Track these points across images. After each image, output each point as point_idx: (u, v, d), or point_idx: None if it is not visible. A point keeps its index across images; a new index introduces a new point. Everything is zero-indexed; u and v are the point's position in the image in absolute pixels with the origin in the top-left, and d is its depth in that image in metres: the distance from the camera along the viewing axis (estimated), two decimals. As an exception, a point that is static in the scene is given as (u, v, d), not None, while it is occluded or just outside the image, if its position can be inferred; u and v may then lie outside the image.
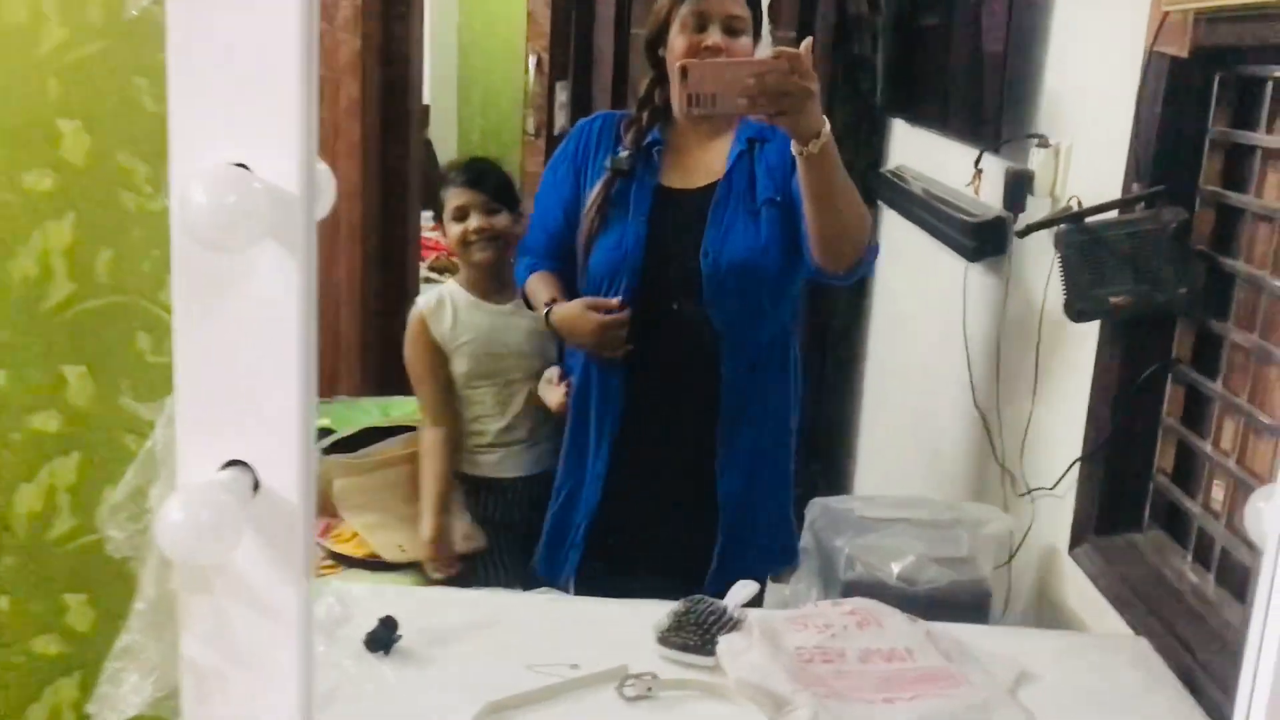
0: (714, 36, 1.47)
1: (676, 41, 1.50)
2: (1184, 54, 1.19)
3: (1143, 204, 1.24)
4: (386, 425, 2.02)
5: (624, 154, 1.56)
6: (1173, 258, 1.20)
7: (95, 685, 0.75)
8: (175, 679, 0.75)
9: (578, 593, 1.50)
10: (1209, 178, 1.24)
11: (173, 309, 0.70)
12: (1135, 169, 1.26)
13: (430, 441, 1.74)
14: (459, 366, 1.74)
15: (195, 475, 0.72)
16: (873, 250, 1.45)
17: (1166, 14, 1.19)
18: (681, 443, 1.55)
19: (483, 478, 1.75)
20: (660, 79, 1.56)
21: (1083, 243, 1.26)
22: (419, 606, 1.11)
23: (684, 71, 1.35)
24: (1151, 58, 1.23)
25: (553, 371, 1.69)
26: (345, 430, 2.10)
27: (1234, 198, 1.20)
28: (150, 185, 0.96)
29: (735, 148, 1.54)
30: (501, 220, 1.73)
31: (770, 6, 2.88)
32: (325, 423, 2.40)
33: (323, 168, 0.77)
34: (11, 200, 0.92)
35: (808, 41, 1.33)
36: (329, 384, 2.82)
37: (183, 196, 0.66)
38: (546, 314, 1.57)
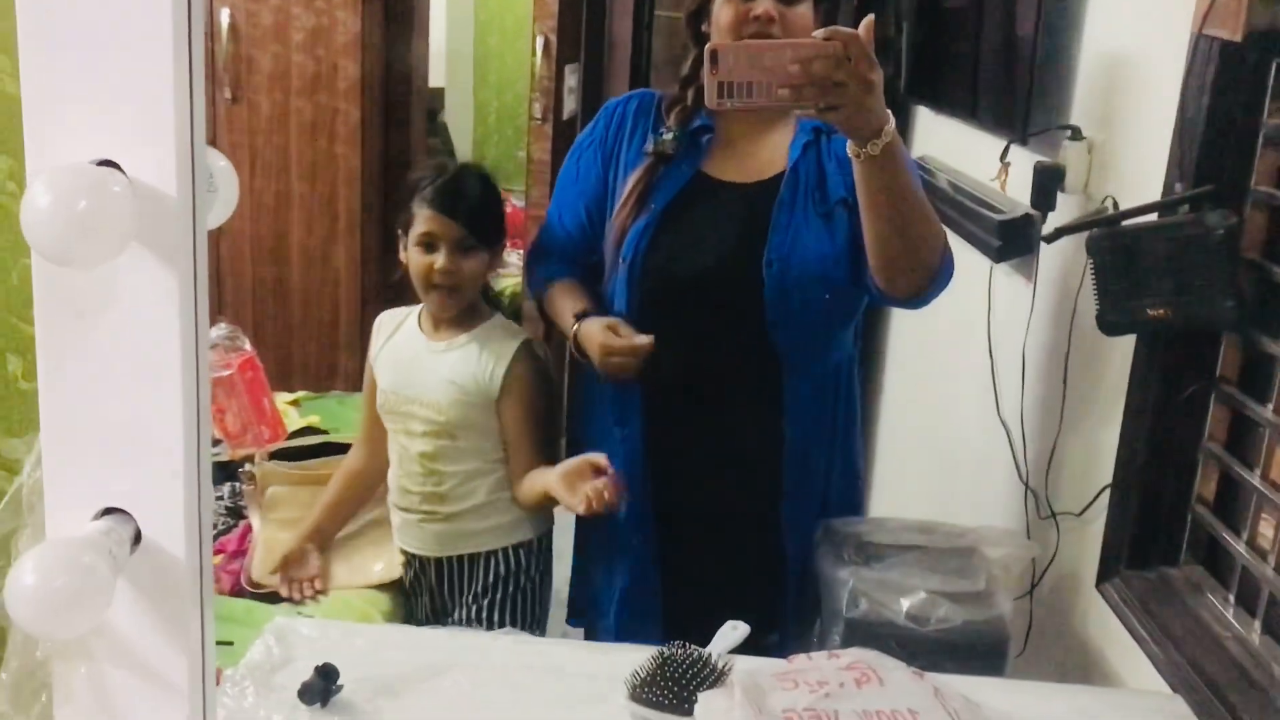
0: (765, 4, 1.27)
1: (722, 12, 1.29)
2: (1236, 37, 1.05)
3: (1186, 206, 1.11)
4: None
5: (667, 136, 1.35)
6: (1219, 267, 1.07)
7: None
8: (47, 763, 0.64)
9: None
10: (1262, 177, 1.10)
11: (36, 333, 0.59)
12: (1179, 167, 1.13)
13: (341, 467, 1.62)
14: (377, 396, 1.51)
15: (65, 526, 0.62)
16: (946, 272, 1.26)
17: (1218, -8, 1.06)
18: (739, 491, 1.39)
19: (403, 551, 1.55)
20: (701, 54, 1.24)
21: (1118, 248, 1.14)
22: (369, 647, 1.00)
23: (714, 56, 1.12)
24: (1199, 41, 1.09)
25: (596, 457, 1.32)
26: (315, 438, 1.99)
27: (1289, 199, 1.07)
28: (14, 182, 0.85)
29: (800, 137, 1.35)
30: (473, 265, 1.42)
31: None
32: (314, 420, 2.31)
33: (223, 164, 0.66)
34: None
35: (869, 19, 1.10)
36: (324, 379, 2.73)
37: (28, 201, 0.55)
38: (575, 332, 1.35)
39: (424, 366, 1.46)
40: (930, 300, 1.28)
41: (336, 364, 2.80)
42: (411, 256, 1.44)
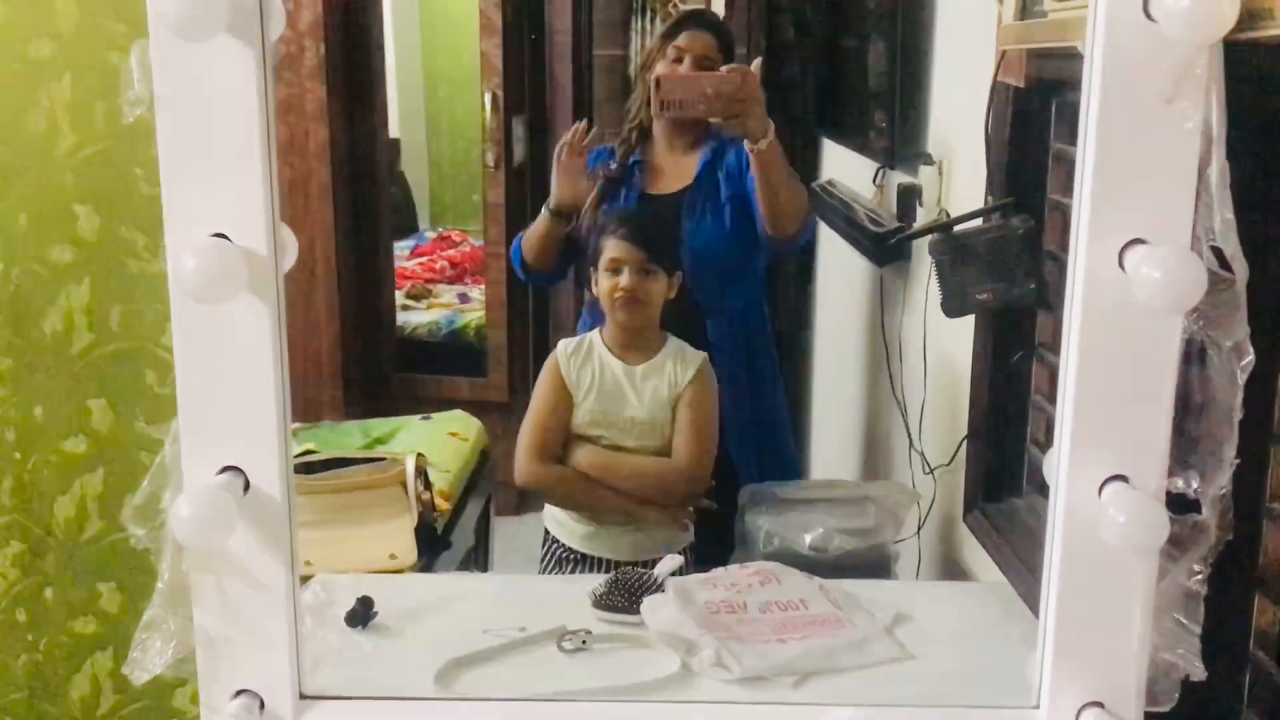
0: (686, 68, 1.89)
1: (658, 69, 1.91)
2: (1021, 84, 1.39)
3: (998, 213, 1.44)
4: (357, 456, 2.14)
5: (613, 165, 1.97)
6: (1024, 259, 1.40)
7: (126, 656, 0.94)
8: (191, 644, 0.94)
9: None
10: (1054, 188, 1.44)
11: (174, 350, 0.90)
12: (991, 183, 1.46)
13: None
14: (579, 416, 1.74)
15: (198, 480, 0.92)
16: (811, 224, 1.93)
17: (1004, 52, 1.40)
18: None
19: (572, 550, 1.74)
20: (647, 99, 1.93)
21: (951, 249, 1.46)
22: (394, 590, 1.30)
23: (658, 83, 1.79)
24: (996, 87, 1.43)
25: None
26: (322, 454, 2.27)
27: (1071, 205, 1.40)
28: (148, 252, 1.19)
29: (703, 159, 1.94)
30: (655, 285, 1.71)
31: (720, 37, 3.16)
32: (310, 445, 2.60)
33: (285, 230, 0.97)
34: (40, 270, 1.18)
35: (757, 61, 1.84)
36: (313, 411, 3.02)
37: (177, 263, 0.86)
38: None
39: (633, 389, 1.73)
40: (801, 243, 1.96)
41: (322, 397, 3.09)
42: (601, 280, 1.73)
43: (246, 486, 0.93)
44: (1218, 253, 0.84)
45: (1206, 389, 0.86)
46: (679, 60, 1.89)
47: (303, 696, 0.98)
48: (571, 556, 1.76)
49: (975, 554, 1.54)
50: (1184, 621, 0.87)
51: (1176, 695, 0.89)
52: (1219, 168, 0.81)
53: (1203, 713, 0.95)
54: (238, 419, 0.92)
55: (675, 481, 1.69)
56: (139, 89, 0.86)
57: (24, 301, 1.28)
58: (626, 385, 1.72)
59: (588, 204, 1.94)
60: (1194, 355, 0.87)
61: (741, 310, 1.94)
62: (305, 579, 1.89)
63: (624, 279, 1.70)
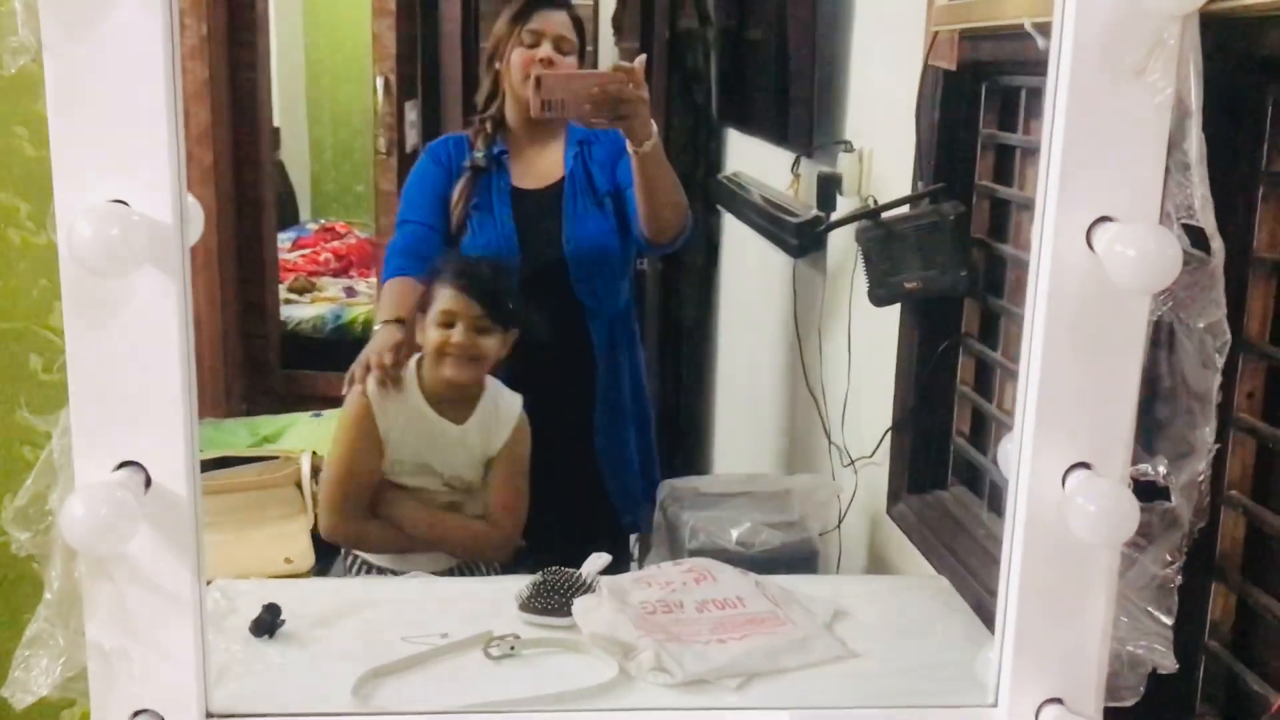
0: (545, 51, 1.74)
1: (513, 55, 1.76)
2: (953, 67, 1.36)
3: (927, 200, 1.42)
4: (247, 455, 2.05)
5: (479, 154, 1.80)
6: (953, 245, 1.37)
7: (6, 676, 0.83)
8: (82, 661, 0.84)
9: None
10: (983, 174, 1.42)
11: (65, 330, 0.80)
12: (919, 169, 1.43)
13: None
14: (389, 465, 1.62)
15: (92, 476, 0.82)
16: (688, 228, 1.77)
17: (936, 33, 1.37)
18: (564, 410, 1.79)
19: (377, 566, 1.63)
20: (496, 90, 1.82)
21: (878, 236, 1.43)
22: (300, 595, 1.21)
23: (538, 82, 1.62)
24: (926, 71, 1.40)
25: None
26: (208, 453, 2.15)
27: (1003, 191, 1.39)
28: (32, 222, 1.05)
29: (569, 150, 1.81)
30: (489, 342, 1.60)
31: (614, 18, 3.08)
32: (193, 443, 2.45)
33: (191, 200, 0.88)
34: None
35: (641, 58, 1.65)
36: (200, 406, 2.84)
37: (70, 231, 0.76)
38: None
39: (445, 445, 1.62)
40: (677, 247, 1.80)
41: (204, 394, 2.93)
42: (429, 331, 1.59)
43: (148, 483, 0.83)
44: (1189, 230, 0.81)
45: (1175, 372, 0.84)
46: (535, 44, 1.75)
47: (209, 715, 0.89)
48: (377, 569, 1.65)
49: (901, 547, 1.52)
50: (1154, 613, 0.84)
51: (1141, 690, 0.86)
52: (1196, 143, 0.79)
53: (1157, 707, 0.92)
54: (138, 408, 0.83)
55: (486, 547, 1.60)
56: (23, 35, 0.76)
57: (-112, 278, 1.09)
58: (441, 442, 1.61)
59: (456, 197, 1.79)
60: (1162, 338, 0.84)
61: (620, 310, 1.86)
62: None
63: (456, 334, 1.57)
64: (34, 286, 1.07)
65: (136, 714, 0.86)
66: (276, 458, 2.00)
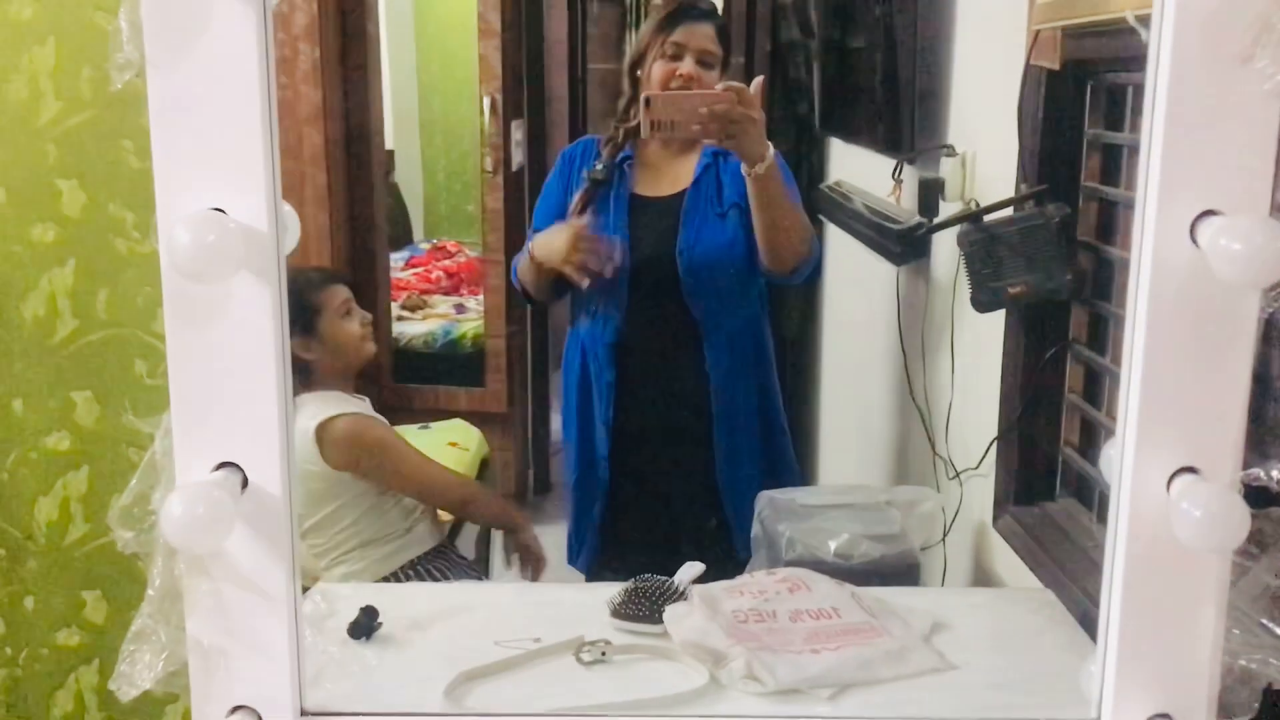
0: (687, 66, 1.72)
1: (654, 67, 1.75)
2: (1056, 66, 1.33)
3: (1031, 202, 1.38)
4: None
5: (599, 166, 1.79)
6: (1058, 249, 1.33)
7: (113, 669, 0.86)
8: (183, 656, 0.87)
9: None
10: (1089, 175, 1.37)
11: (165, 336, 0.82)
12: (1023, 171, 1.40)
13: None
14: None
15: (191, 476, 0.84)
16: (813, 258, 1.72)
17: (1038, 32, 1.34)
18: (677, 430, 1.79)
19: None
20: (636, 98, 1.78)
21: (981, 240, 1.40)
22: (397, 599, 1.23)
23: (648, 102, 1.62)
24: (1029, 71, 1.37)
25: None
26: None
27: (1109, 191, 1.34)
28: (138, 231, 1.10)
29: (702, 161, 1.78)
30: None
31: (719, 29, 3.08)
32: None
33: (287, 209, 0.90)
34: (20, 251, 1.08)
35: (759, 79, 1.62)
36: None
37: (170, 239, 0.78)
38: (530, 251, 1.77)
39: None
40: (802, 278, 1.74)
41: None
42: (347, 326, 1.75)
43: (244, 484, 0.85)
44: (1301, 223, 0.77)
45: (1288, 372, 0.80)
46: (678, 57, 1.73)
47: (304, 713, 0.90)
48: None
49: (1007, 560, 1.47)
50: (1269, 625, 0.80)
51: (1255, 705, 0.82)
52: (1305, 129, 0.75)
53: (1277, 724, 0.88)
54: (235, 411, 0.85)
55: None
56: (128, 51, 0.79)
57: (3, 284, 1.16)
58: None
59: (573, 207, 1.80)
60: (1273, 336, 0.80)
61: (742, 327, 1.81)
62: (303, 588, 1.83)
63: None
64: (139, 294, 1.12)
65: (235, 709, 0.88)
66: None
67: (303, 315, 1.71)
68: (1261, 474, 0.81)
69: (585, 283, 1.73)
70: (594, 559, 1.83)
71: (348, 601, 1.19)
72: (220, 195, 0.82)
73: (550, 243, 1.76)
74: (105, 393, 1.14)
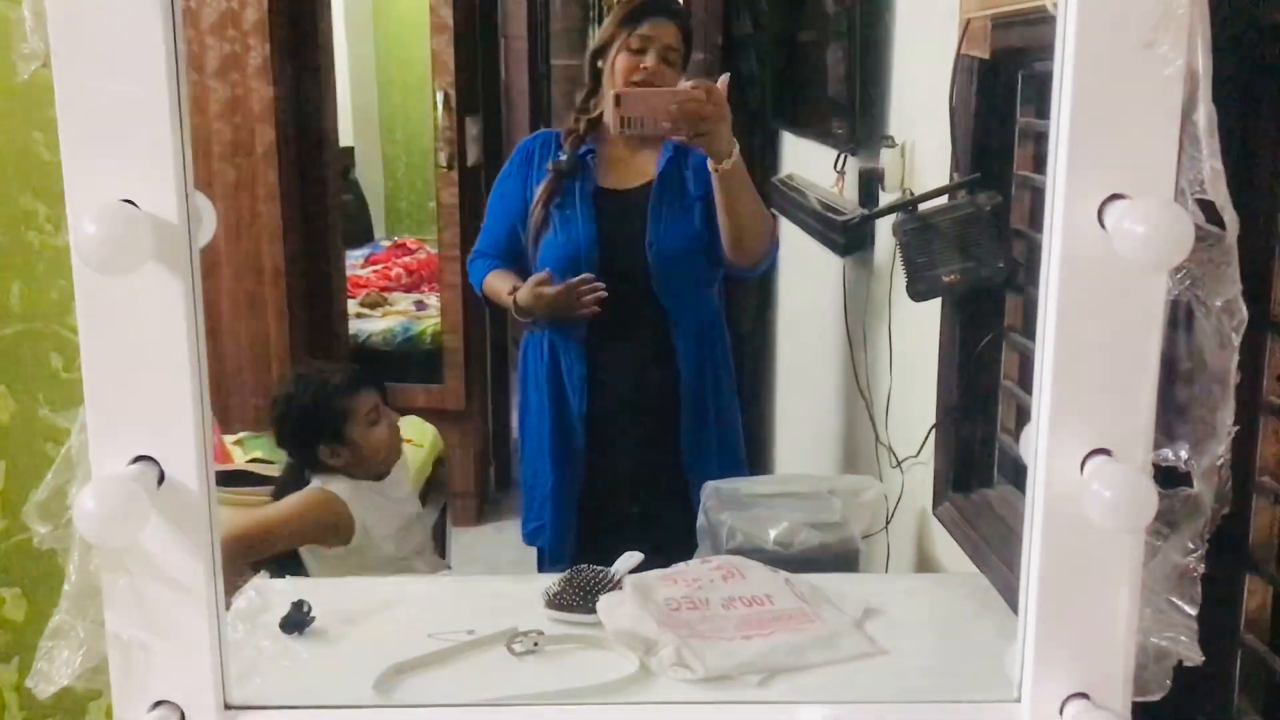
0: (650, 61, 1.74)
1: (618, 60, 1.76)
2: (986, 55, 1.34)
3: (965, 191, 1.39)
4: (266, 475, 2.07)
5: (562, 157, 1.80)
6: (992, 237, 1.34)
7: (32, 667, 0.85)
8: (103, 652, 0.86)
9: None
10: (1021, 163, 1.38)
11: (79, 329, 0.82)
12: (956, 160, 1.41)
13: None
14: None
15: (106, 470, 0.84)
16: (773, 251, 1.79)
17: (969, 21, 1.35)
18: (647, 421, 1.82)
19: None
20: (596, 89, 1.81)
21: (916, 229, 1.41)
22: (331, 593, 1.22)
23: (617, 99, 1.65)
24: (960, 60, 1.38)
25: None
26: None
27: (1041, 180, 1.35)
28: (50, 224, 1.09)
29: (664, 154, 1.78)
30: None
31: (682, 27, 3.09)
32: (260, 454, 2.51)
33: (202, 199, 0.89)
34: None
35: (724, 77, 1.65)
36: (263, 419, 2.91)
37: (78, 230, 0.78)
38: (514, 299, 1.79)
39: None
40: (762, 270, 1.79)
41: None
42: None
43: (161, 478, 0.85)
44: (1205, 206, 0.78)
45: (1194, 353, 0.81)
46: (641, 50, 1.74)
47: (228, 707, 0.90)
48: None
49: (947, 546, 1.48)
50: (1178, 603, 0.81)
51: (1168, 683, 0.83)
52: (1206, 114, 0.76)
53: (1192, 702, 0.89)
54: (150, 404, 0.84)
55: None
56: (33, 41, 0.78)
57: (-87, 280, 1.13)
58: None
59: (536, 199, 1.80)
60: (1180, 318, 0.82)
61: (707, 319, 1.83)
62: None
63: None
64: (53, 287, 1.11)
65: (156, 704, 0.88)
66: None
67: (330, 423, 1.67)
68: (1170, 454, 0.82)
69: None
70: (571, 552, 1.84)
71: (282, 596, 1.18)
72: (130, 186, 0.81)
73: (543, 303, 1.76)
74: (20, 387, 1.13)
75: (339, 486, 1.65)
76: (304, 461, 1.66)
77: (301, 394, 1.74)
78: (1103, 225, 0.81)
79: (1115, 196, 0.81)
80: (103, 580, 0.85)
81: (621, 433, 1.84)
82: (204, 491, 0.86)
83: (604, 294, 1.75)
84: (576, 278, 1.75)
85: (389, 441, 1.72)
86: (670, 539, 1.66)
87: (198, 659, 0.88)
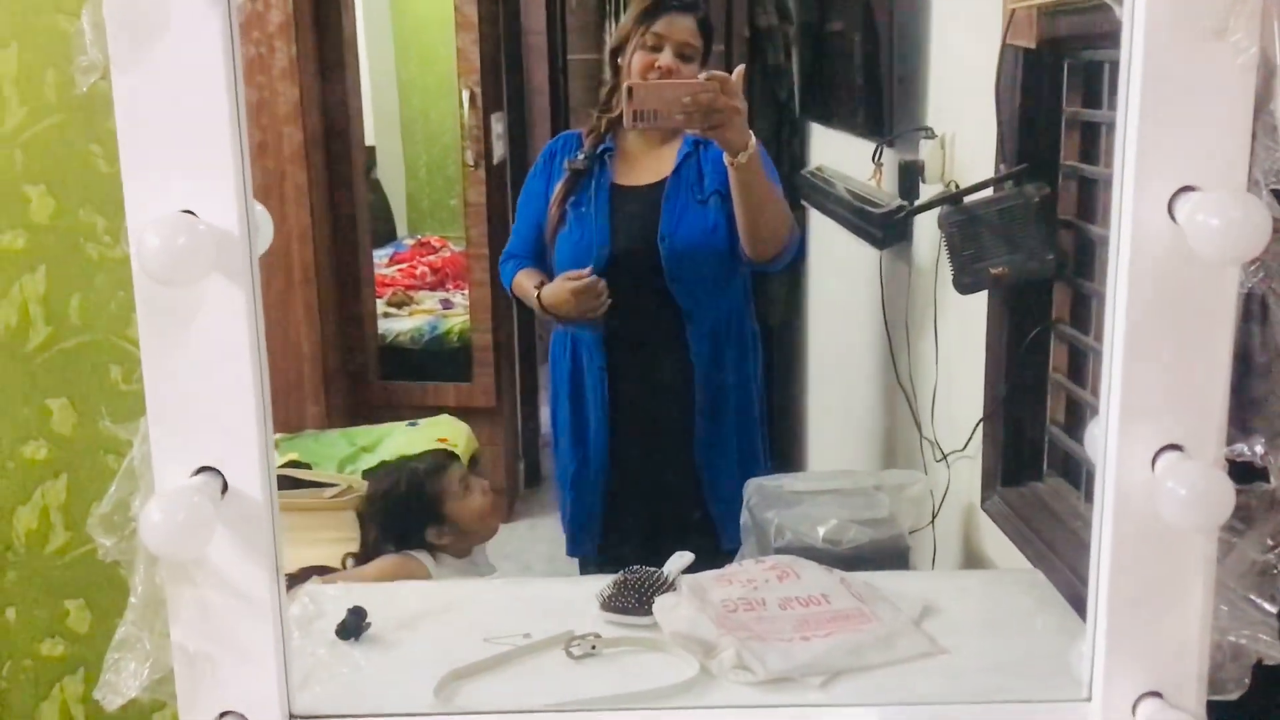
0: (666, 58, 1.72)
1: (635, 57, 1.74)
2: (1032, 45, 1.32)
3: (1011, 182, 1.37)
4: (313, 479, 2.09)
5: (580, 157, 1.80)
6: (1039, 228, 1.33)
7: (98, 678, 0.86)
8: (169, 663, 0.86)
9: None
10: (1068, 154, 1.37)
11: (140, 340, 0.81)
12: (1002, 151, 1.39)
13: None
14: None
15: (170, 482, 0.84)
16: (792, 246, 1.72)
17: (1014, 10, 1.33)
18: (663, 418, 1.81)
19: None
20: (617, 87, 1.78)
21: (961, 222, 1.39)
22: (385, 599, 1.22)
23: (630, 91, 1.60)
24: (1005, 50, 1.36)
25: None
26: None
27: (1089, 170, 1.34)
28: (109, 236, 1.09)
29: (683, 149, 1.77)
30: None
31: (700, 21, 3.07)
32: (294, 456, 2.51)
33: (260, 209, 0.89)
34: None
35: (740, 68, 1.61)
36: (295, 420, 2.93)
37: (139, 242, 0.77)
38: (538, 296, 1.79)
39: None
40: (782, 265, 1.76)
41: (304, 406, 3.00)
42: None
43: (224, 488, 0.85)
44: (1279, 197, 0.77)
45: (1269, 346, 0.79)
46: (657, 48, 1.72)
47: (293, 716, 0.90)
48: None
49: (996, 541, 1.47)
50: (1256, 600, 0.80)
51: (1246, 681, 0.82)
52: (1282, 103, 0.74)
53: (1270, 700, 0.88)
54: (212, 414, 0.84)
55: None
56: (92, 54, 0.78)
57: (-27, 295, 1.14)
58: None
59: (554, 197, 1.81)
60: (1254, 310, 0.80)
61: (725, 315, 1.81)
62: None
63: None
64: (111, 299, 1.11)
65: (222, 715, 0.88)
66: (338, 485, 2.05)
67: (430, 508, 1.74)
68: (1245, 449, 0.80)
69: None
70: (595, 549, 1.84)
71: (336, 602, 1.18)
72: (190, 197, 0.81)
73: (558, 301, 1.78)
74: (81, 399, 1.13)
75: (424, 558, 1.69)
76: (409, 546, 1.71)
77: (396, 485, 1.81)
78: (1173, 218, 0.80)
79: (1186, 189, 0.80)
80: (168, 592, 0.85)
81: (640, 430, 1.83)
82: (267, 501, 0.86)
83: (607, 294, 1.75)
84: (591, 278, 1.75)
85: (486, 509, 1.77)
86: (689, 539, 1.64)
87: (262, 669, 0.88)
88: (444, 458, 1.86)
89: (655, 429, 1.83)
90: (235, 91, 0.81)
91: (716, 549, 1.75)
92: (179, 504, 0.80)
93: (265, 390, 0.86)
